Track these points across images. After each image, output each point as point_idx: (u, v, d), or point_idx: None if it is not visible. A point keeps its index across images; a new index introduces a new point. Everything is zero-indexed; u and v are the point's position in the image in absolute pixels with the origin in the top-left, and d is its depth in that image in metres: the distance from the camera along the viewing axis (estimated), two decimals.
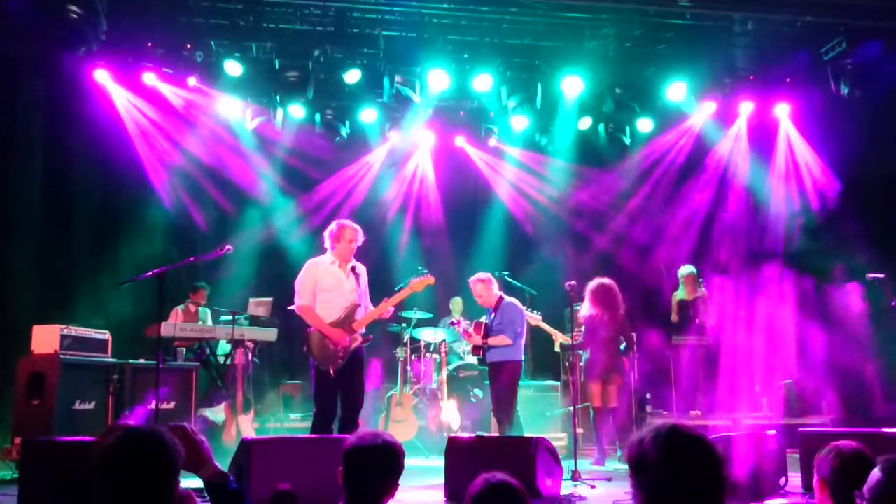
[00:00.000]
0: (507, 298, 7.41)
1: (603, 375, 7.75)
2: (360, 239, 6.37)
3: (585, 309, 7.90)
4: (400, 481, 2.90)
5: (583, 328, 7.88)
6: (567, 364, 8.95)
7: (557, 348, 8.42)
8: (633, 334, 8.27)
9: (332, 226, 6.38)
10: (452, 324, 8.78)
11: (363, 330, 6.31)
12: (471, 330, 7.46)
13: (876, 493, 2.43)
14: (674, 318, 9.45)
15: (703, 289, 9.36)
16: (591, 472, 6.63)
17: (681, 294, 9.42)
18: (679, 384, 8.79)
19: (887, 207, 9.40)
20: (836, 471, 2.84)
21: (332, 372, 6.10)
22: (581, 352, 7.85)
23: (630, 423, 7.81)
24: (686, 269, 9.34)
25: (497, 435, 7.16)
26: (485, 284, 7.36)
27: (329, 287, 6.25)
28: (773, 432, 5.35)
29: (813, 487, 3.13)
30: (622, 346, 7.90)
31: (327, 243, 6.36)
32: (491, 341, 7.18)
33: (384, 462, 2.86)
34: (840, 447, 2.92)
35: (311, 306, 6.22)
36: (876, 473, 2.46)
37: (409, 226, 11.09)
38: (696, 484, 2.02)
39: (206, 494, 2.74)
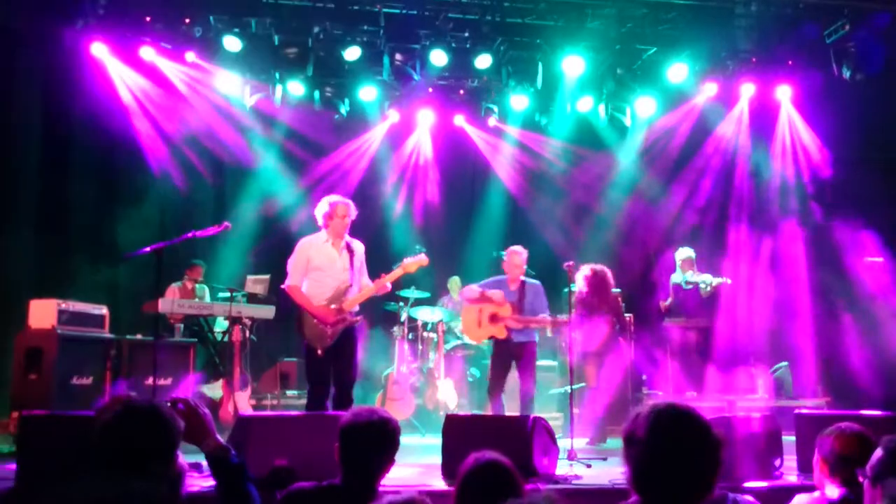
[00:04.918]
0: (531, 279, 7.40)
1: (595, 358, 7.78)
2: (353, 213, 6.32)
3: (578, 293, 7.91)
4: (396, 458, 2.91)
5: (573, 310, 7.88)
6: (563, 345, 8.96)
7: (549, 333, 8.41)
8: (630, 315, 8.27)
9: (323, 204, 6.32)
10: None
11: (355, 309, 6.30)
12: (498, 310, 7.16)
13: (878, 470, 2.49)
14: (670, 301, 9.44)
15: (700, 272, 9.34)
16: (588, 451, 6.65)
17: (677, 277, 9.40)
18: (675, 366, 8.81)
19: (887, 191, 9.38)
20: (838, 451, 2.91)
21: (319, 351, 6.11)
22: (575, 333, 7.85)
23: (625, 404, 7.83)
24: (684, 253, 9.31)
25: (493, 414, 7.18)
26: (522, 257, 7.34)
27: (321, 266, 6.23)
28: (758, 415, 5.37)
29: (811, 468, 3.18)
30: (616, 328, 7.91)
31: (320, 222, 6.32)
32: (538, 320, 7.18)
33: (380, 438, 2.87)
34: (843, 428, 2.98)
35: (299, 286, 6.22)
36: (879, 452, 2.52)
37: (407, 204, 11.05)
38: (685, 460, 2.04)
39: (208, 467, 2.76)
